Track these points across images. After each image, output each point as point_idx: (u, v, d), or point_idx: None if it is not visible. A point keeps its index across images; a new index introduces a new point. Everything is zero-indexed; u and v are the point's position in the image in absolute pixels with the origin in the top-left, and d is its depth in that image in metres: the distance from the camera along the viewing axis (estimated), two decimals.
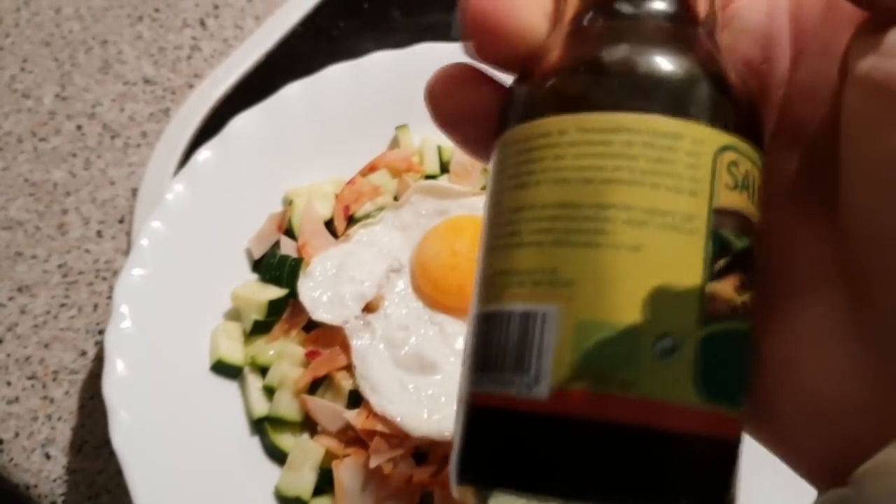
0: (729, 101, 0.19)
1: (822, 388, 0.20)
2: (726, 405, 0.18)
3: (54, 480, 0.50)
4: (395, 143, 0.58)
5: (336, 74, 0.57)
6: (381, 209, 0.54)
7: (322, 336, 0.50)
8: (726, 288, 0.18)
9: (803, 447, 0.21)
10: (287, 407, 0.48)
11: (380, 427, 0.47)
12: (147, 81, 0.64)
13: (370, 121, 0.57)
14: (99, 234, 0.58)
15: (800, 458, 0.21)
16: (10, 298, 0.55)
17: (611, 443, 0.17)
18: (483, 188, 0.56)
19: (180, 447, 0.47)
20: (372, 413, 0.47)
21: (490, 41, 0.21)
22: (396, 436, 0.46)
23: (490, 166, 0.21)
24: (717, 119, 0.19)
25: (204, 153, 0.54)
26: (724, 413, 0.18)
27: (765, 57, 0.21)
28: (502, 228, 0.19)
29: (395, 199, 0.55)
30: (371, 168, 0.56)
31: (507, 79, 0.22)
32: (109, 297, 0.55)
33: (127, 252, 0.56)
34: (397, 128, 0.57)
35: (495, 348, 0.19)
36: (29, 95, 0.63)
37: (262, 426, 0.49)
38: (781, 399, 0.21)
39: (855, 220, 0.19)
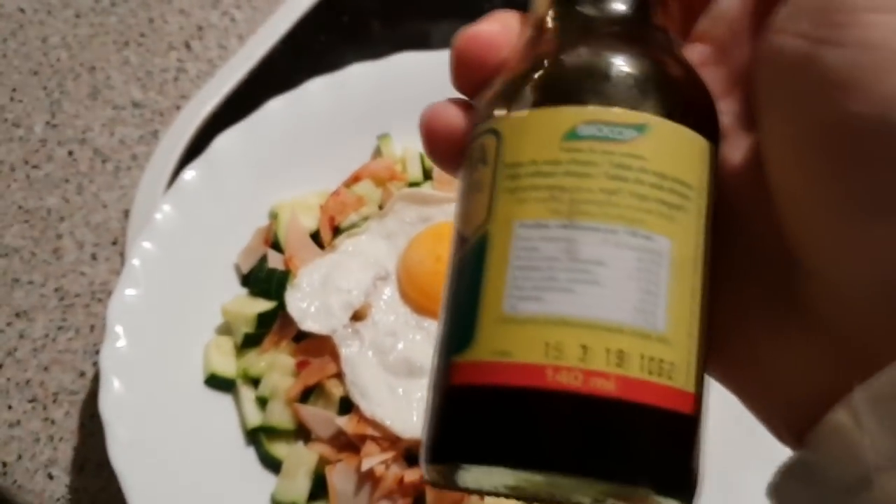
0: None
1: (773, 360, 0.21)
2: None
3: (57, 500, 0.51)
4: (377, 153, 0.59)
5: (316, 88, 0.58)
6: (365, 219, 0.55)
7: (311, 346, 0.51)
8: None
9: (770, 412, 0.22)
10: (280, 416, 0.49)
11: (371, 431, 0.48)
12: (135, 105, 0.65)
13: (352, 132, 0.58)
14: (93, 256, 0.59)
15: (770, 421, 0.22)
16: (9, 324, 0.57)
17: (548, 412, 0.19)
18: None
19: (177, 461, 0.48)
20: (363, 418, 0.48)
21: (473, 77, 0.23)
22: (387, 439, 0.47)
23: None
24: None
25: (190, 173, 0.55)
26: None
27: (733, 39, 0.23)
28: None
29: (380, 208, 0.56)
30: (355, 178, 0.57)
31: None
32: None
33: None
34: (379, 137, 0.58)
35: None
36: (20, 124, 0.64)
37: (256, 436, 0.50)
38: (735, 374, 0.22)
39: (776, 190, 0.20)
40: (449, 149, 0.23)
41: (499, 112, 0.22)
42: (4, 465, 0.52)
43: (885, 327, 0.18)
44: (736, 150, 0.22)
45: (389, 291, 0.53)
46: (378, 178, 0.57)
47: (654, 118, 0.20)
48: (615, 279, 0.19)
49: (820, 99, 0.18)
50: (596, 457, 0.19)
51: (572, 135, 0.20)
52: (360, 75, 0.59)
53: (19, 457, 0.53)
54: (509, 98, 0.22)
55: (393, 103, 0.58)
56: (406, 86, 0.58)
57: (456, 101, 0.24)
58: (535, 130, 0.21)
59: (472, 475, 0.20)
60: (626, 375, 0.19)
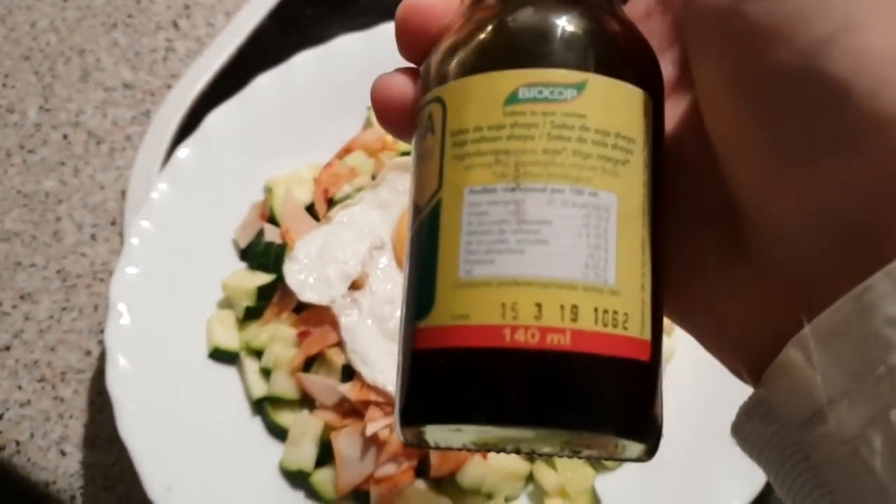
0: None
1: (728, 304, 0.22)
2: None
3: (71, 476, 0.53)
4: (368, 124, 0.59)
5: (304, 61, 0.58)
6: (359, 189, 0.56)
7: (312, 316, 0.52)
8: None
9: (728, 354, 0.23)
10: (284, 386, 0.50)
11: (373, 397, 0.49)
12: (126, 86, 0.66)
13: (342, 104, 0.58)
14: (93, 237, 0.60)
15: (729, 362, 0.23)
16: (14, 307, 0.58)
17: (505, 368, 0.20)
18: None
19: (186, 433, 0.49)
20: (365, 384, 0.49)
21: (418, 45, 0.24)
22: (390, 403, 0.49)
23: None
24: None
25: (184, 151, 0.55)
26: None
27: None
28: None
29: (373, 178, 0.57)
30: (346, 150, 0.57)
31: None
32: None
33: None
34: (369, 108, 0.59)
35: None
36: (13, 110, 0.65)
37: (262, 406, 0.51)
38: (695, 320, 0.23)
39: (712, 137, 0.21)
40: (400, 118, 0.24)
41: (442, 80, 0.22)
42: (18, 443, 0.54)
43: (823, 267, 0.19)
44: (683, 99, 0.23)
45: (386, 260, 0.54)
46: (370, 148, 0.57)
47: (592, 76, 0.21)
48: (563, 237, 0.20)
49: (745, 50, 0.19)
50: (557, 408, 0.19)
51: (513, 98, 0.20)
52: (347, 46, 0.59)
53: (32, 435, 0.54)
54: (451, 65, 0.22)
55: (380, 73, 0.59)
56: (394, 55, 0.58)
57: (404, 70, 0.24)
58: (477, 96, 0.21)
59: (442, 434, 0.21)
60: (580, 329, 0.19)
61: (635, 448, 0.21)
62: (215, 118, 0.56)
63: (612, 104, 0.21)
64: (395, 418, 0.22)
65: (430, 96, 0.22)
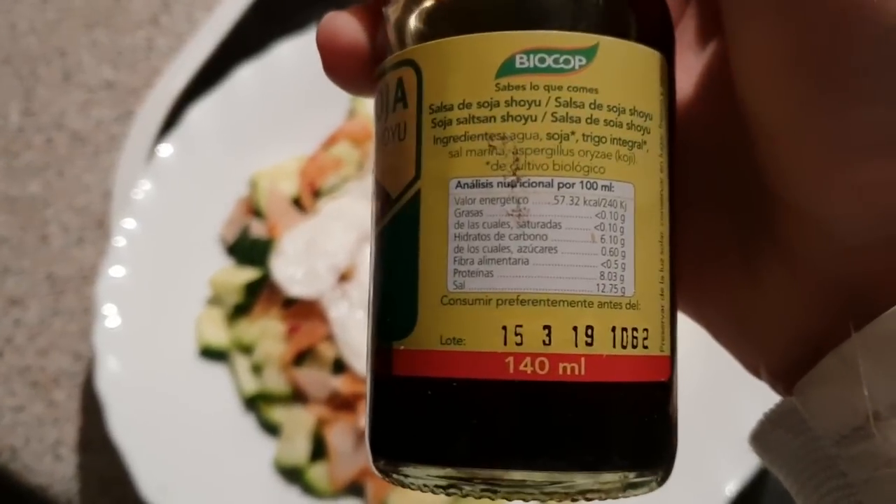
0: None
1: (751, 300, 0.20)
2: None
3: (68, 480, 0.53)
4: (352, 113, 0.58)
5: (285, 52, 0.57)
6: (345, 180, 0.55)
7: (301, 310, 0.51)
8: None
9: (746, 352, 0.21)
10: (275, 382, 0.50)
11: None
12: (109, 86, 0.65)
13: (325, 93, 0.57)
14: (80, 239, 0.60)
15: (747, 360, 0.21)
16: (4, 313, 0.57)
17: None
18: None
19: (178, 432, 0.49)
20: (357, 377, 0.49)
21: None
22: None
23: None
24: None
25: (166, 148, 0.55)
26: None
27: None
28: None
29: (360, 168, 0.56)
30: (331, 141, 0.57)
31: None
32: None
33: None
34: (353, 97, 0.58)
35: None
36: None
37: (254, 403, 0.51)
38: (709, 310, 0.21)
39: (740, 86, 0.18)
40: (353, 72, 0.19)
41: (415, 38, 0.18)
42: (13, 449, 0.53)
43: (872, 269, 0.17)
44: (691, 51, 0.20)
45: None
46: (355, 138, 0.57)
47: (604, 38, 0.17)
48: (575, 243, 0.16)
49: (822, 21, 0.15)
50: (570, 450, 0.17)
51: (508, 68, 0.17)
52: None
53: (27, 441, 0.54)
54: (426, 19, 0.18)
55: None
56: None
57: (358, 10, 0.19)
58: (463, 64, 0.17)
59: (426, 474, 0.18)
60: (597, 354, 0.16)
61: (651, 477, 0.18)
62: (196, 113, 0.56)
63: (628, 72, 0.17)
64: (366, 443, 0.19)
65: (398, 57, 0.18)
